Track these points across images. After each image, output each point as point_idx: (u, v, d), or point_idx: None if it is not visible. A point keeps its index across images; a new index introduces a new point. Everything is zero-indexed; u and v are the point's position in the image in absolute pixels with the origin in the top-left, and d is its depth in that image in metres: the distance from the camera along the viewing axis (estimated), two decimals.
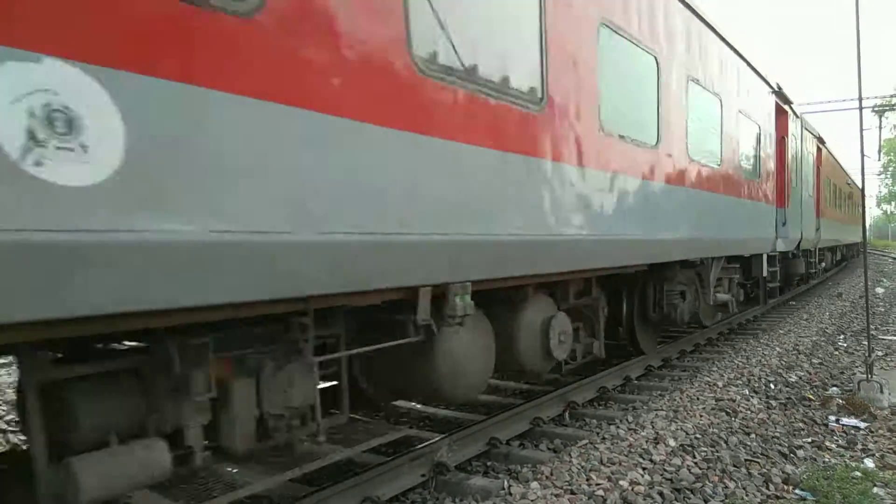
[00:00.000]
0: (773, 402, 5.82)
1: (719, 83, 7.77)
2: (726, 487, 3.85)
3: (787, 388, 6.36)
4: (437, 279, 3.40)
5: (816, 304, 13.97)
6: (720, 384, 6.19)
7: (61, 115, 1.89)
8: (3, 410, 6.00)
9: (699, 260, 7.46)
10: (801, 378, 6.88)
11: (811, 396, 6.22)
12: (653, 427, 4.72)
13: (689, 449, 4.35)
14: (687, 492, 3.73)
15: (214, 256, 2.30)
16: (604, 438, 4.54)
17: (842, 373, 7.35)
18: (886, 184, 69.21)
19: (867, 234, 9.04)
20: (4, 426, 5.57)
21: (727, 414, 5.21)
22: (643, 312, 7.34)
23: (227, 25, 2.33)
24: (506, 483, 3.76)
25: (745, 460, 4.31)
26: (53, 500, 2.41)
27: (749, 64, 9.02)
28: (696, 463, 4.14)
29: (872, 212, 78.11)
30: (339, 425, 3.60)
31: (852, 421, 5.50)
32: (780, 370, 7.04)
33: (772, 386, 6.35)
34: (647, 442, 4.41)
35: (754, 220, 9.27)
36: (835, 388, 6.61)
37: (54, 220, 1.88)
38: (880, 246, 56.32)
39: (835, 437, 5.14)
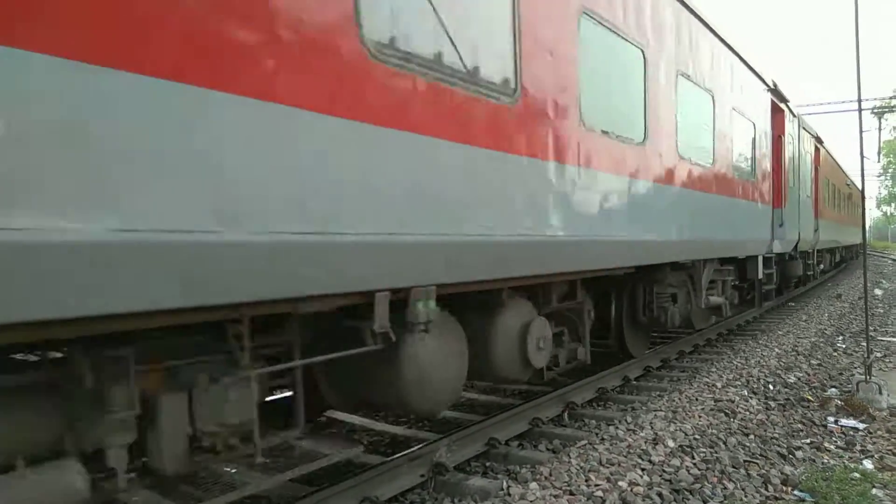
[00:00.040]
0: (772, 403, 5.82)
1: (711, 79, 7.51)
2: (725, 488, 3.85)
3: (786, 389, 6.36)
4: (395, 283, 3.16)
5: (815, 306, 13.97)
6: (719, 385, 6.19)
7: None
8: None
9: (690, 262, 7.25)
10: (799, 379, 6.89)
11: (810, 397, 6.23)
12: (652, 428, 4.72)
13: (688, 450, 4.36)
14: (686, 493, 3.73)
15: (114, 258, 2.05)
16: (603, 439, 4.54)
17: (840, 374, 7.36)
18: (886, 185, 69.30)
19: (867, 235, 8.98)
20: None
21: (726, 415, 5.21)
22: (633, 316, 7.15)
23: None
24: (505, 483, 3.76)
25: (744, 461, 4.32)
26: None
27: (743, 60, 8.80)
28: (695, 464, 4.14)
29: (872, 213, 78.23)
30: (290, 440, 3.34)
31: (851, 422, 5.51)
32: (778, 371, 7.05)
33: (771, 387, 6.35)
34: (645, 443, 4.41)
35: (749, 220, 9.06)
36: (833, 390, 6.62)
37: None
38: (880, 247, 56.34)
39: (833, 439, 5.15)
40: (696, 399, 5.64)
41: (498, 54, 3.91)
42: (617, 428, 4.78)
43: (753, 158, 9.31)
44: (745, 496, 3.81)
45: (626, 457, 4.14)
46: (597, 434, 4.75)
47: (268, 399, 4.29)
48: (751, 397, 5.87)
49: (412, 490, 3.92)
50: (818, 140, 16.47)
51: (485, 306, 4.48)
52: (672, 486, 3.78)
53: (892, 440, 5.11)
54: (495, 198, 3.85)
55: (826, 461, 4.58)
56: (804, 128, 13.93)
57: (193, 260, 2.27)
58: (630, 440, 4.46)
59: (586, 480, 3.78)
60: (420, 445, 4.31)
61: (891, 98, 47.10)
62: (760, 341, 9.09)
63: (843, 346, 9.31)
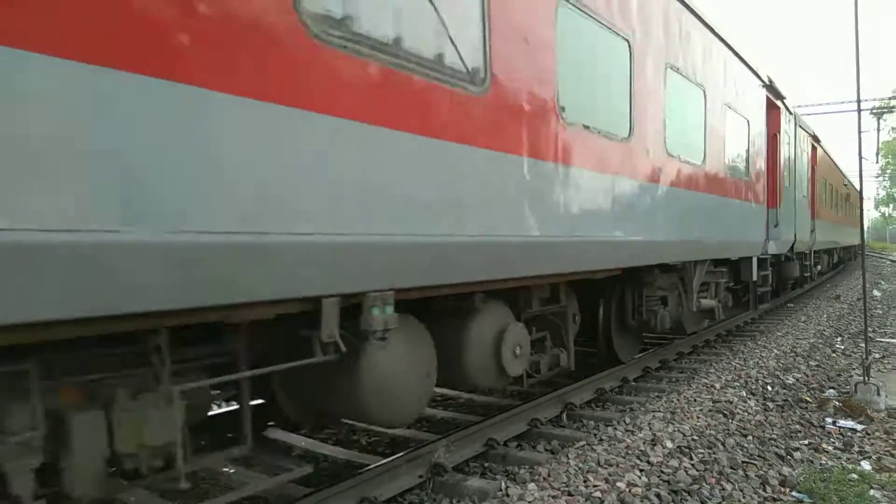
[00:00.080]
0: (771, 404, 5.83)
1: (703, 73, 7.18)
2: (723, 489, 3.86)
3: (785, 391, 6.37)
4: (346, 288, 2.89)
5: (814, 307, 13.99)
6: (717, 386, 6.20)
7: None
8: None
9: (680, 263, 6.98)
10: (798, 380, 6.90)
11: (808, 398, 6.24)
12: (650, 428, 4.73)
13: (687, 451, 4.36)
14: (684, 494, 3.73)
15: None
16: (601, 440, 4.55)
17: (839, 375, 7.37)
18: (884, 186, 69.43)
19: (865, 236, 8.93)
20: None
21: (724, 416, 5.22)
22: (622, 319, 6.91)
23: None
24: (503, 484, 3.76)
25: (742, 462, 4.32)
26: None
27: (737, 54, 8.47)
28: (693, 465, 4.14)
29: (870, 214, 78.34)
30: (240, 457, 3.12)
31: (849, 423, 5.52)
32: (777, 372, 7.06)
33: (769, 388, 6.36)
34: (644, 443, 4.41)
35: (742, 221, 8.80)
36: (832, 391, 6.62)
37: None
38: (878, 248, 56.40)
39: (832, 440, 5.15)
40: (695, 400, 5.65)
41: (464, 40, 3.60)
42: (615, 429, 4.79)
43: (747, 157, 9.03)
44: (744, 497, 3.81)
45: (624, 458, 4.15)
46: (595, 435, 4.75)
47: (213, 413, 4.22)
48: (749, 398, 5.87)
49: (411, 490, 3.93)
50: (815, 139, 16.23)
51: (456, 311, 4.27)
52: (670, 487, 3.78)
53: (891, 441, 5.12)
54: (461, 195, 3.59)
55: (824, 462, 4.59)
56: (801, 126, 13.69)
57: (82, 263, 1.98)
58: (628, 441, 4.46)
59: (585, 481, 3.78)
60: (419, 446, 4.31)
61: (889, 99, 47.21)
62: (759, 342, 9.10)
63: (842, 347, 9.33)
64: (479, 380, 4.40)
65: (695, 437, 4.60)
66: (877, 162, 52.57)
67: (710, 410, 5.31)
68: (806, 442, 5.01)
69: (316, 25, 2.72)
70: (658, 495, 3.64)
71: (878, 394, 6.00)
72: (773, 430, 5.10)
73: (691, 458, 4.24)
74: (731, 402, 5.60)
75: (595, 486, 3.70)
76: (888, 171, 64.42)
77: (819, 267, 18.79)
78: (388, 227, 3.08)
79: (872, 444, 5.05)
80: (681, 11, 6.56)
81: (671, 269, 6.94)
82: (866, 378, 6.14)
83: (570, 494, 3.59)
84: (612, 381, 6.63)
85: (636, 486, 3.73)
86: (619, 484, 3.73)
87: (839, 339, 10.03)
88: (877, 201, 73.58)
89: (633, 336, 7.29)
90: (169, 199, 2.21)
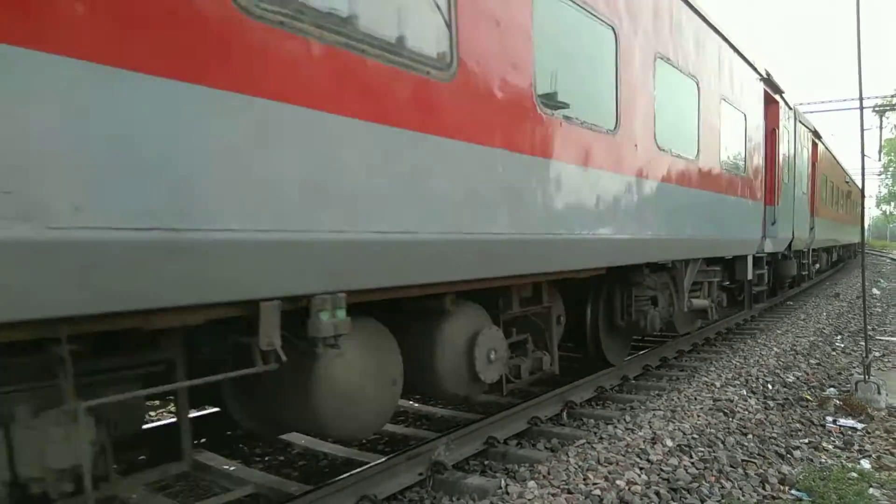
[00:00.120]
0: (771, 403, 5.83)
1: (696, 65, 6.85)
2: (723, 488, 3.86)
3: (785, 389, 6.37)
4: (286, 290, 2.64)
5: (814, 305, 13.98)
6: (718, 384, 6.20)
7: None
8: None
9: (671, 262, 6.73)
10: (798, 378, 6.90)
11: (808, 397, 6.24)
12: (650, 427, 4.73)
13: (687, 449, 4.37)
14: (684, 492, 3.74)
15: None
16: (601, 438, 4.55)
17: (839, 373, 7.37)
18: (886, 184, 69.35)
19: (865, 234, 8.87)
20: None
21: (724, 414, 5.22)
22: (611, 320, 6.62)
23: None
24: (503, 482, 3.77)
25: (742, 461, 4.32)
26: None
27: (733, 46, 8.12)
28: (692, 463, 4.15)
29: (872, 212, 78.30)
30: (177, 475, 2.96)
31: (849, 422, 5.52)
32: (777, 370, 7.06)
33: (769, 386, 6.36)
34: (644, 442, 4.42)
35: (738, 218, 8.51)
36: (832, 389, 6.62)
37: None
38: (878, 246, 56.40)
39: (832, 438, 5.16)
40: (695, 398, 5.65)
41: (428, 21, 3.34)
42: (615, 427, 4.79)
43: (744, 152, 8.75)
44: (743, 495, 3.82)
45: (624, 456, 4.15)
46: (595, 433, 4.75)
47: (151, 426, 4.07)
48: (749, 397, 5.87)
49: (411, 488, 3.93)
50: (816, 135, 15.90)
51: (426, 314, 4.01)
52: (670, 485, 3.79)
53: (891, 440, 5.12)
54: (424, 189, 3.30)
55: (824, 461, 4.59)
56: (800, 121, 13.30)
57: None
58: (628, 439, 4.46)
59: (584, 479, 3.78)
60: (418, 444, 4.31)
61: (892, 96, 47.12)
62: (759, 340, 9.10)
63: (842, 345, 9.32)
64: (451, 387, 4.11)
65: (695, 436, 4.60)
66: (879, 160, 52.56)
67: (710, 409, 5.31)
68: (806, 440, 5.01)
69: None
70: (658, 493, 3.65)
71: (879, 392, 5.99)
72: (773, 428, 5.10)
73: (691, 457, 4.25)
74: (732, 401, 5.60)
75: (595, 484, 3.70)
76: (890, 169, 64.34)
77: (818, 265, 18.56)
78: (339, 223, 2.81)
79: (872, 443, 5.05)
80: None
81: (662, 268, 6.74)
82: (866, 376, 6.14)
83: (569, 492, 3.59)
84: (613, 380, 6.63)
85: (636, 484, 3.74)
86: (618, 482, 3.73)
87: (839, 337, 10.02)
88: (878, 199, 73.49)
89: (622, 337, 7.03)
90: (62, 190, 1.93)
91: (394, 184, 3.12)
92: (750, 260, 9.21)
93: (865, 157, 7.66)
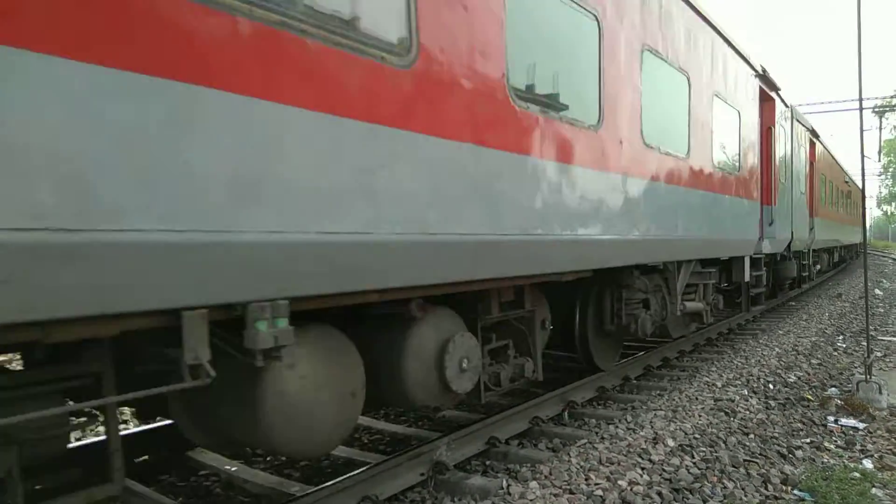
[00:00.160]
0: (772, 403, 5.83)
1: (687, 58, 6.53)
2: (725, 488, 3.86)
3: (786, 389, 6.37)
4: (214, 298, 2.35)
5: (816, 305, 13.98)
6: (719, 384, 6.20)
7: None
8: None
9: (661, 264, 6.44)
10: (800, 378, 6.89)
11: (810, 397, 6.23)
12: (652, 427, 4.73)
13: (688, 449, 4.36)
14: (685, 492, 3.73)
15: None
16: (603, 438, 4.55)
17: (841, 373, 7.36)
18: (886, 184, 69.31)
19: (867, 234, 8.83)
20: None
21: (726, 414, 5.22)
22: (600, 324, 6.37)
23: None
24: (505, 482, 3.77)
25: (744, 461, 4.32)
26: None
27: (727, 40, 7.79)
28: (694, 463, 4.14)
29: (872, 212, 78.25)
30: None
31: (851, 422, 5.51)
32: (779, 370, 7.05)
33: (771, 386, 6.36)
34: (645, 442, 4.41)
35: (733, 218, 8.24)
36: (834, 389, 6.62)
37: None
38: (880, 247, 56.36)
39: (833, 438, 5.15)
40: (697, 398, 5.65)
41: (382, 1, 3.08)
42: (617, 427, 4.79)
43: (738, 150, 8.44)
44: (745, 495, 3.81)
45: (625, 456, 4.14)
46: (597, 433, 4.75)
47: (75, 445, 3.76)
48: (751, 396, 5.87)
49: (412, 489, 3.93)
50: (814, 133, 15.62)
51: (392, 321, 3.77)
52: (672, 486, 3.78)
53: (892, 440, 5.12)
54: (380, 186, 3.01)
55: (826, 461, 4.59)
56: (798, 119, 12.97)
57: None
58: (630, 439, 4.46)
59: (586, 479, 3.78)
60: (420, 444, 4.31)
61: (892, 97, 47.13)
62: (761, 340, 9.10)
63: (844, 345, 9.32)
64: (420, 397, 3.84)
65: (696, 436, 4.59)
66: (879, 160, 52.57)
67: (711, 409, 5.31)
68: (808, 440, 5.01)
69: None
70: (659, 493, 3.64)
71: (880, 392, 5.99)
72: (774, 428, 5.10)
73: (693, 457, 4.24)
74: (733, 401, 5.59)
75: (597, 484, 3.70)
76: (890, 170, 64.33)
77: (818, 266, 18.28)
78: (275, 222, 2.54)
79: (874, 443, 5.05)
80: None
81: (653, 270, 6.51)
82: (868, 376, 6.14)
83: (571, 493, 3.59)
84: (614, 380, 6.63)
85: (638, 484, 3.73)
86: (620, 482, 3.73)
87: (841, 337, 10.02)
88: (879, 200, 73.46)
89: (612, 342, 6.76)
90: None
91: (342, 180, 2.83)
92: (747, 261, 9.00)
93: (865, 158, 7.67)
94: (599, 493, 3.57)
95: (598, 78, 4.89)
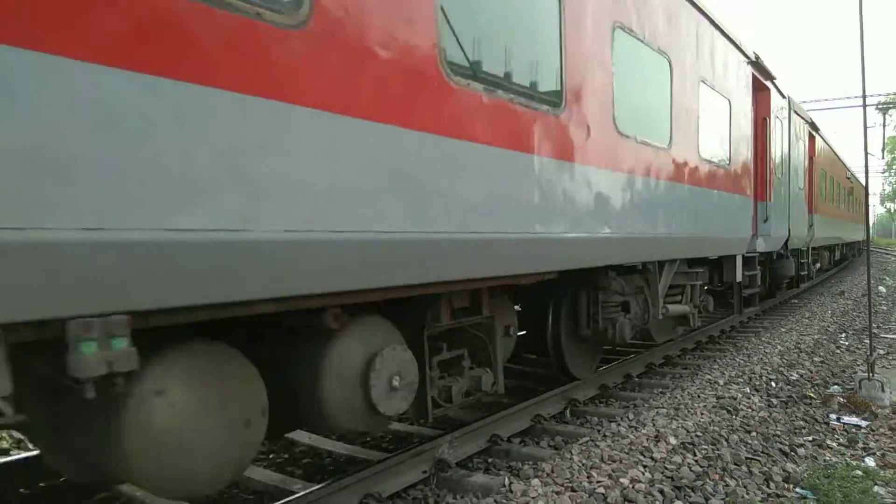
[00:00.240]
0: (775, 401, 5.83)
1: (667, 40, 5.95)
2: (727, 485, 3.86)
3: (789, 387, 6.36)
4: (11, 314, 1.81)
5: (819, 303, 13.97)
6: (721, 382, 6.20)
7: None
8: None
9: (640, 264, 5.97)
10: (802, 376, 6.89)
11: (812, 395, 6.23)
12: (654, 425, 4.73)
13: (690, 447, 4.37)
14: (688, 490, 3.74)
15: None
16: (605, 436, 4.56)
17: (843, 371, 7.36)
18: (890, 182, 69.13)
19: (870, 232, 8.77)
20: None
21: (728, 412, 5.22)
22: (575, 330, 5.85)
23: None
24: (507, 480, 3.77)
25: (746, 458, 4.32)
26: None
27: (714, 23, 7.15)
28: (696, 461, 4.15)
29: (876, 210, 78.05)
30: None
31: (853, 419, 5.51)
32: (781, 368, 7.05)
33: (773, 384, 6.36)
34: (647, 440, 4.42)
35: (722, 214, 7.68)
36: (836, 387, 6.61)
37: None
38: (883, 244, 56.23)
39: (836, 436, 5.15)
40: (699, 396, 5.65)
41: None
42: (619, 425, 4.80)
43: (729, 142, 7.82)
44: (747, 493, 3.81)
45: (627, 454, 4.15)
46: (599, 431, 4.76)
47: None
48: (753, 394, 5.87)
49: (414, 486, 3.94)
50: (813, 126, 14.92)
51: (303, 334, 3.23)
52: (674, 483, 3.79)
53: (895, 437, 5.11)
54: (257, 172, 2.45)
55: (828, 458, 4.58)
56: (796, 111, 12.18)
57: None
58: (632, 437, 4.47)
59: (588, 477, 3.79)
60: (422, 442, 4.32)
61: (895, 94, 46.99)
62: (763, 338, 9.09)
63: (846, 343, 9.31)
64: (343, 422, 3.31)
65: (698, 434, 4.60)
66: (882, 157, 52.43)
67: (713, 407, 5.31)
68: (810, 438, 5.01)
69: None
70: (661, 491, 3.65)
71: (883, 390, 5.98)
72: (776, 426, 5.10)
73: (695, 455, 4.25)
74: (735, 399, 5.60)
75: (599, 481, 3.71)
76: (894, 167, 64.15)
77: (819, 265, 17.63)
78: (95, 216, 1.97)
79: (877, 441, 5.05)
80: None
81: (633, 271, 6.04)
82: (871, 374, 6.13)
83: (573, 490, 3.59)
84: (616, 377, 6.63)
85: (640, 481, 3.74)
86: (622, 480, 3.73)
87: (843, 335, 10.00)
88: (882, 197, 73.29)
89: (589, 348, 6.19)
90: None
91: (201, 164, 2.27)
92: (739, 260, 8.44)
93: (868, 155, 7.64)
94: (601, 490, 3.57)
95: (559, 57, 4.35)
